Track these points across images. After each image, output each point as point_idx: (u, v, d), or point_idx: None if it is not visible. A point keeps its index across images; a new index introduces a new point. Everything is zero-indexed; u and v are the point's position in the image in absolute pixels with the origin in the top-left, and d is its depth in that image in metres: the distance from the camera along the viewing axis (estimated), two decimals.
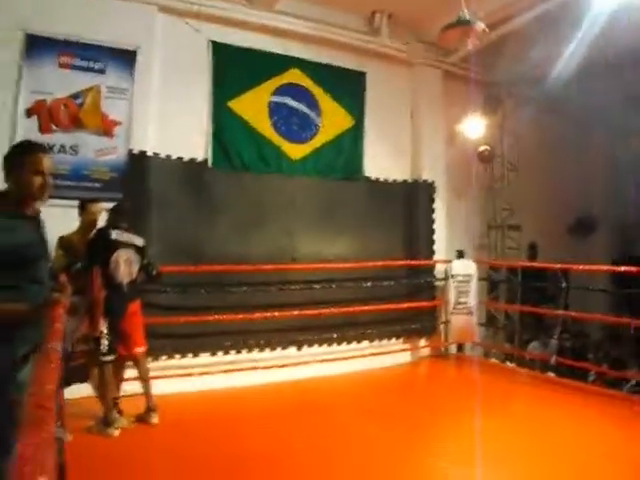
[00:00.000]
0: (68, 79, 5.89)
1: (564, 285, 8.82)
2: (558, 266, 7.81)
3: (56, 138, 5.81)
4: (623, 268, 7.32)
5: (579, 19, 6.42)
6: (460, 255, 8.34)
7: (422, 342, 8.31)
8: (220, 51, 6.83)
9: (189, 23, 6.64)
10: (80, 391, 4.87)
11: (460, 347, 8.54)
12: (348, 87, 7.81)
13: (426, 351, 8.35)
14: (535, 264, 9.14)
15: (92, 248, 4.74)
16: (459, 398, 6.36)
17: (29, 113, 5.69)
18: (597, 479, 4.07)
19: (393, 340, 8.03)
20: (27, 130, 5.64)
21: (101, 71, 6.08)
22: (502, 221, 9.39)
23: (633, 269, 7.19)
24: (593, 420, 5.50)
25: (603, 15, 6.17)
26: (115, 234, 4.90)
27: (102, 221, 5.07)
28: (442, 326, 8.41)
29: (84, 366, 4.80)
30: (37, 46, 5.71)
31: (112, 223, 5.02)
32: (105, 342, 4.70)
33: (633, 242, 11.64)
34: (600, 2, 6.02)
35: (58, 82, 5.84)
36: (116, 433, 4.70)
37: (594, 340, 9.52)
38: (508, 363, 8.33)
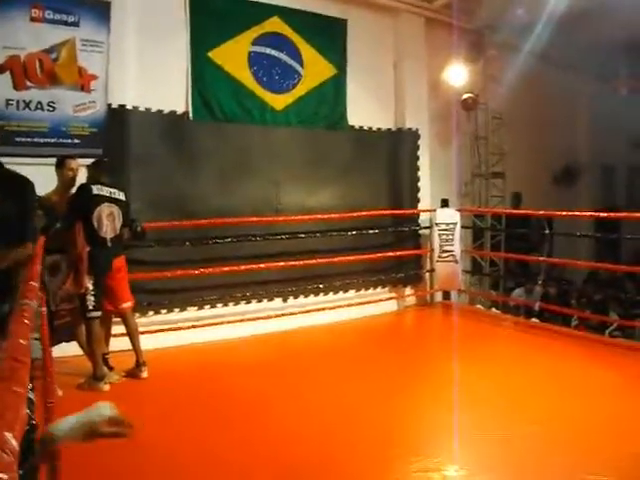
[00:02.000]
0: (41, 33, 5.69)
1: (548, 232, 8.93)
2: (541, 213, 7.87)
3: (31, 94, 5.65)
4: (605, 214, 7.41)
5: None
6: (444, 204, 8.37)
7: (407, 291, 8.41)
8: (198, 0, 6.66)
9: None
10: (67, 350, 4.91)
11: (446, 295, 8.65)
12: (330, 35, 7.67)
13: (412, 299, 8.45)
14: (519, 211, 9.20)
15: (73, 204, 4.70)
16: (444, 344, 6.50)
17: (1, 69, 5.49)
18: (579, 413, 4.19)
19: (379, 289, 8.12)
20: (1, 88, 5.51)
21: (75, 24, 5.88)
22: (486, 169, 9.39)
23: (615, 215, 7.29)
24: (575, 361, 5.64)
25: None
26: (96, 189, 4.86)
27: (81, 178, 5.03)
28: (427, 274, 8.50)
29: (70, 324, 4.84)
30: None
31: (93, 178, 4.98)
32: (91, 298, 4.71)
33: (615, 191, 11.76)
34: None
35: (31, 36, 5.64)
36: (106, 388, 4.76)
37: (577, 286, 9.68)
38: (493, 310, 8.47)
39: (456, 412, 4.22)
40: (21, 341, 1.20)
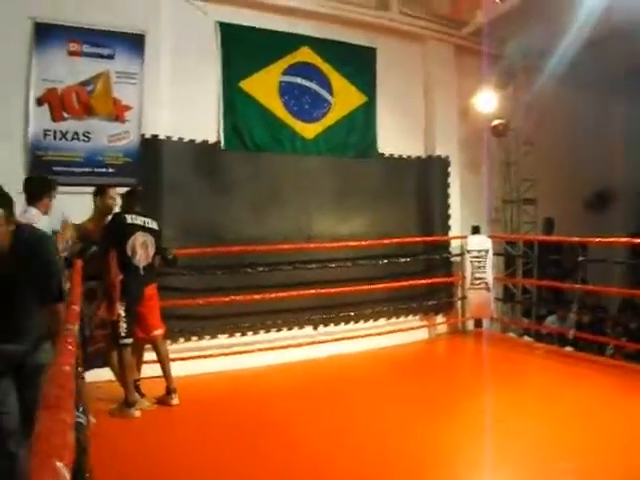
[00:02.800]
0: (78, 66, 5.89)
1: (581, 259, 8.78)
2: (575, 239, 7.74)
3: (68, 125, 5.83)
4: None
5: None
6: (475, 230, 8.30)
7: (439, 318, 8.31)
8: (228, 32, 6.78)
9: (195, 5, 6.59)
10: (100, 375, 4.95)
11: (477, 323, 8.52)
12: (359, 64, 7.73)
13: (443, 327, 8.35)
14: (552, 238, 9.07)
15: (108, 232, 4.80)
16: (477, 373, 6.38)
17: (40, 102, 5.71)
18: (616, 450, 4.05)
19: (410, 317, 8.04)
20: (39, 119, 5.69)
21: (110, 56, 6.07)
22: (518, 195, 9.30)
23: None
24: (611, 393, 5.47)
25: None
26: (130, 218, 4.95)
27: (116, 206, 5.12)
28: (459, 302, 8.41)
29: (103, 350, 4.88)
30: (46, 34, 5.70)
31: (127, 207, 5.06)
32: (123, 325, 4.76)
33: None
34: None
35: (68, 70, 5.85)
36: (137, 414, 4.79)
37: (612, 314, 9.46)
38: (526, 338, 8.32)
39: (487, 445, 4.15)
40: (65, 367, 1.21)
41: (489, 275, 8.09)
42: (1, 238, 2.43)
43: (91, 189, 5.16)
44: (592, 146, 9.95)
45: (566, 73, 8.02)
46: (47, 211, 4.38)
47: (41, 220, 4.19)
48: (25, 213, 4.19)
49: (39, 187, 4.45)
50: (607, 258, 9.11)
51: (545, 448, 4.12)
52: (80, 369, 2.50)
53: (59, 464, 0.77)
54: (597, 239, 7.58)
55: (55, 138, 5.76)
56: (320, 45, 7.37)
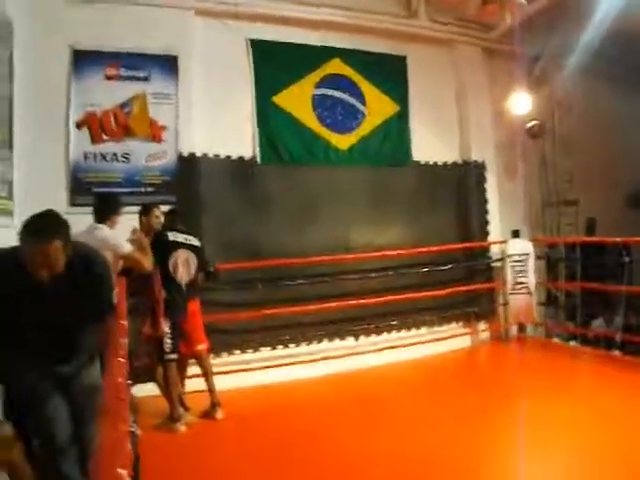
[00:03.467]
0: (115, 89, 6.07)
1: (626, 259, 8.57)
2: (619, 240, 7.59)
3: (107, 147, 5.99)
4: None
5: None
6: (515, 234, 8.19)
7: (481, 325, 8.20)
8: (259, 48, 6.88)
9: (226, 23, 6.71)
10: (145, 390, 4.98)
11: (521, 328, 8.38)
12: (390, 73, 7.75)
13: (486, 334, 8.23)
14: (594, 239, 8.89)
15: (151, 250, 4.85)
16: (523, 381, 6.25)
17: (80, 125, 5.89)
18: None
19: (452, 325, 7.96)
20: (79, 142, 5.87)
21: (146, 79, 6.21)
22: (557, 197, 9.16)
23: None
24: None
25: None
26: (172, 236, 5.03)
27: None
28: (501, 308, 8.28)
29: (148, 366, 4.94)
30: (83, 61, 5.92)
31: (168, 225, 5.15)
32: (168, 341, 4.82)
33: None
34: None
35: (106, 93, 6.03)
36: (183, 429, 4.83)
37: None
38: (571, 342, 8.15)
39: (531, 458, 4.02)
40: (119, 379, 1.23)
41: (531, 279, 7.97)
42: (60, 264, 2.45)
43: (131, 209, 5.23)
44: (631, 143, 9.75)
45: (599, 69, 7.92)
46: (113, 227, 4.49)
47: (113, 237, 4.35)
48: (96, 230, 4.31)
49: (110, 205, 4.59)
50: None
51: (591, 462, 3.96)
52: (130, 382, 2.54)
53: (121, 471, 0.80)
54: None
55: (95, 160, 5.92)
56: (351, 56, 7.41)
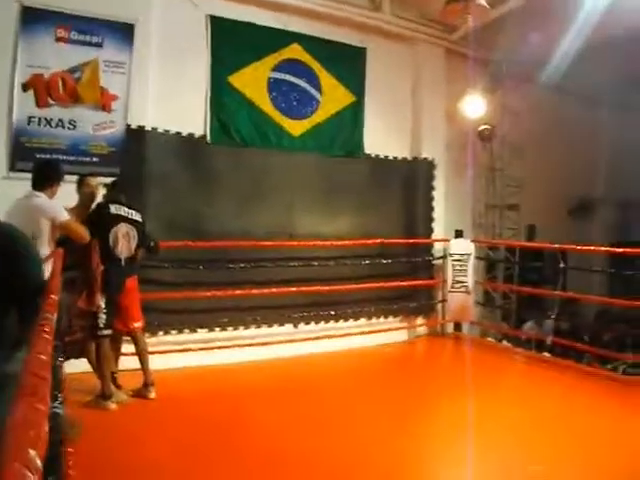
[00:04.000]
0: (65, 53, 5.82)
1: (562, 266, 8.86)
2: (556, 246, 7.82)
3: (53, 112, 5.76)
4: (621, 249, 7.35)
5: None
6: (458, 234, 8.34)
7: (419, 320, 8.33)
8: (219, 26, 6.75)
9: None
10: (78, 366, 4.85)
11: (457, 326, 8.56)
12: (349, 63, 7.74)
13: (423, 329, 8.38)
14: (533, 244, 9.14)
15: (91, 222, 4.69)
16: (454, 376, 6.40)
17: (26, 87, 5.63)
18: (589, 453, 4.09)
19: (390, 318, 8.06)
20: (24, 104, 5.61)
21: (98, 45, 6.00)
22: (501, 201, 9.36)
23: (631, 250, 7.23)
24: (585, 398, 5.55)
25: None
26: (114, 208, 4.91)
27: (100, 197, 5.05)
28: (439, 305, 8.44)
29: (81, 341, 4.82)
30: (33, 19, 5.62)
31: (111, 198, 5.02)
32: (102, 317, 4.72)
33: (632, 225, 11.66)
34: None
35: (55, 56, 5.77)
36: (113, 407, 4.74)
37: (590, 321, 9.57)
38: (504, 342, 8.37)
39: (461, 448, 4.16)
40: (41, 356, 1.19)
41: (470, 279, 8.13)
42: None
43: (73, 178, 5.08)
44: (577, 155, 10.04)
45: (553, 81, 8.10)
46: (53, 197, 4.32)
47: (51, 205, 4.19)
48: (34, 198, 4.17)
49: (51, 173, 4.41)
50: (587, 266, 9.22)
51: (517, 452, 4.14)
52: (60, 359, 2.45)
53: (32, 452, 0.76)
54: (577, 247, 7.67)
55: (39, 125, 5.69)
56: (311, 43, 7.36)
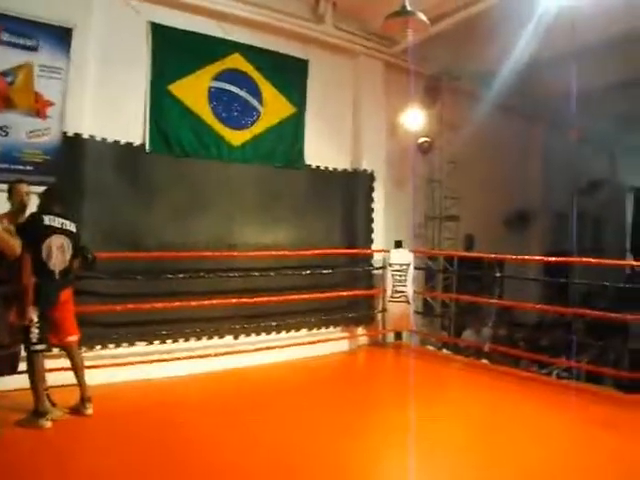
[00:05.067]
0: None
1: (498, 275, 9.10)
2: (493, 256, 8.03)
3: None
4: (553, 259, 7.61)
5: (519, 17, 6.60)
6: (398, 245, 8.45)
7: (360, 330, 8.39)
8: (160, 33, 6.65)
9: (129, 2, 6.43)
10: (8, 384, 4.67)
11: (397, 335, 8.66)
12: (290, 74, 7.76)
13: (364, 339, 8.44)
14: (471, 254, 9.35)
15: (23, 233, 4.51)
16: (396, 385, 6.50)
17: None
18: (529, 459, 4.20)
19: (331, 328, 8.08)
20: None
21: (34, 48, 5.79)
22: (440, 212, 9.54)
23: (564, 260, 7.50)
24: (520, 402, 5.74)
25: (545, 15, 6.38)
26: (48, 219, 4.73)
27: (33, 206, 4.88)
28: (380, 314, 8.51)
29: (12, 356, 4.62)
30: None
31: (44, 208, 4.83)
32: (35, 331, 4.53)
33: (565, 237, 12.11)
34: (542, 2, 6.26)
35: None
36: (48, 425, 4.54)
37: (526, 328, 9.84)
38: (444, 350, 8.51)
39: (401, 455, 4.24)
40: None
41: (410, 289, 8.24)
42: None
43: (4, 187, 4.89)
44: (513, 168, 10.40)
45: (490, 96, 8.36)
46: None
47: None
48: None
49: None
50: (523, 275, 9.52)
51: (458, 458, 4.22)
52: None
53: None
54: (513, 256, 7.89)
55: None
56: (252, 53, 7.35)
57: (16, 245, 4.08)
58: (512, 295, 9.34)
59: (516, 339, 9.02)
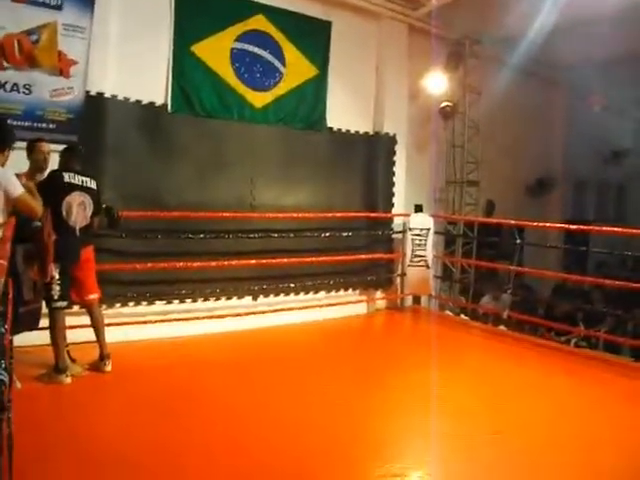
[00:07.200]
0: (22, 14, 5.57)
1: (518, 241, 9.05)
2: (513, 222, 7.98)
3: (8, 75, 5.54)
4: (574, 227, 7.55)
5: None
6: (418, 209, 8.42)
7: (378, 294, 8.44)
8: None
9: None
10: (31, 340, 4.75)
11: (416, 299, 8.70)
12: (313, 36, 7.67)
13: (382, 303, 8.49)
14: (491, 220, 9.29)
15: (43, 191, 4.46)
16: (413, 349, 6.57)
17: None
18: (543, 427, 4.24)
19: (350, 291, 8.15)
20: None
21: (58, 7, 5.77)
22: (461, 177, 9.46)
23: (584, 228, 7.43)
24: (536, 370, 5.77)
25: None
26: (68, 177, 4.78)
27: (54, 165, 4.93)
28: (398, 278, 8.54)
29: (34, 313, 4.72)
30: None
31: (65, 165, 4.89)
32: (57, 288, 4.62)
33: (585, 205, 11.99)
34: None
35: (11, 16, 5.51)
36: (68, 380, 4.66)
37: (545, 296, 9.82)
38: (462, 316, 8.54)
39: (421, 418, 4.31)
40: None
41: (429, 253, 8.24)
42: None
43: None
44: (535, 134, 10.24)
45: (513, 62, 8.21)
46: (4, 165, 4.02)
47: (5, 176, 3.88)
48: None
49: (3, 135, 4.11)
50: (543, 242, 9.46)
51: (475, 422, 4.28)
52: (6, 327, 2.42)
53: None
54: (534, 223, 7.85)
55: None
56: (275, 14, 7.26)
57: (38, 207, 4.08)
58: (532, 263, 9.31)
59: (535, 307, 9.00)
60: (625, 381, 5.53)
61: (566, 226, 8.26)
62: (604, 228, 7.08)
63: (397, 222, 8.48)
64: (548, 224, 8.61)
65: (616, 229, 6.79)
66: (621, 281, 6.72)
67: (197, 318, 6.49)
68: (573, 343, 7.60)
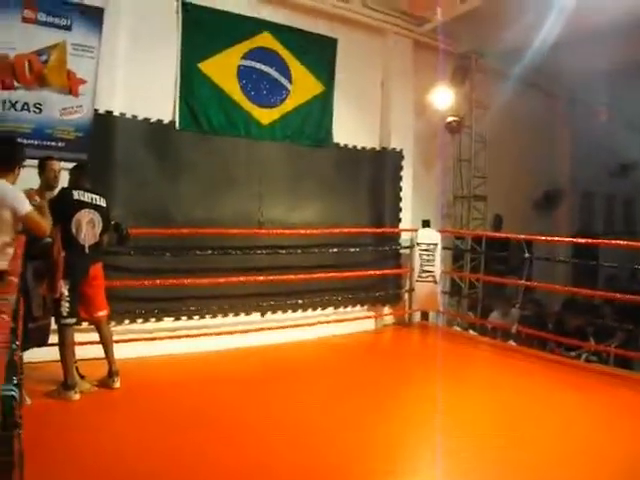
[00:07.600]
0: (32, 34, 5.67)
1: (527, 256, 9.01)
2: (522, 237, 7.94)
3: (18, 95, 5.63)
4: (583, 240, 7.52)
5: None
6: (426, 224, 8.42)
7: (386, 310, 8.41)
8: (190, 12, 6.67)
9: None
10: (40, 356, 4.76)
11: (424, 315, 8.67)
12: (319, 53, 7.73)
13: (390, 319, 8.47)
14: (499, 234, 9.27)
15: (53, 208, 4.53)
16: (422, 365, 6.52)
17: None
18: (552, 443, 4.18)
19: (357, 307, 8.12)
20: None
21: (67, 27, 5.88)
22: (469, 192, 9.47)
23: (593, 241, 7.40)
24: (546, 385, 5.70)
25: None
26: (77, 194, 4.83)
27: (64, 182, 4.98)
28: (406, 294, 8.52)
29: (43, 329, 4.73)
30: None
31: (74, 183, 4.94)
32: (66, 305, 4.65)
33: (594, 218, 11.95)
34: None
35: (21, 37, 5.61)
36: (76, 397, 4.67)
37: (554, 310, 9.75)
38: (471, 331, 8.49)
39: (429, 433, 4.27)
40: None
41: (437, 268, 8.22)
42: None
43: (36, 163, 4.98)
44: (542, 148, 10.23)
45: (519, 75, 8.23)
46: (14, 182, 4.07)
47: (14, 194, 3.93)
48: None
49: (13, 153, 4.16)
50: (551, 256, 9.42)
51: (484, 438, 4.23)
52: (17, 343, 2.43)
53: None
54: (542, 237, 7.82)
55: (3, 108, 5.56)
56: (281, 32, 7.33)
57: (45, 224, 4.11)
58: (541, 277, 9.26)
59: (544, 322, 8.93)
60: (636, 396, 5.45)
61: (575, 240, 8.23)
62: (613, 242, 7.04)
63: (405, 237, 8.47)
64: (557, 238, 8.57)
65: (626, 242, 6.74)
66: (632, 295, 6.67)
67: (205, 334, 6.48)
68: (584, 358, 7.53)
